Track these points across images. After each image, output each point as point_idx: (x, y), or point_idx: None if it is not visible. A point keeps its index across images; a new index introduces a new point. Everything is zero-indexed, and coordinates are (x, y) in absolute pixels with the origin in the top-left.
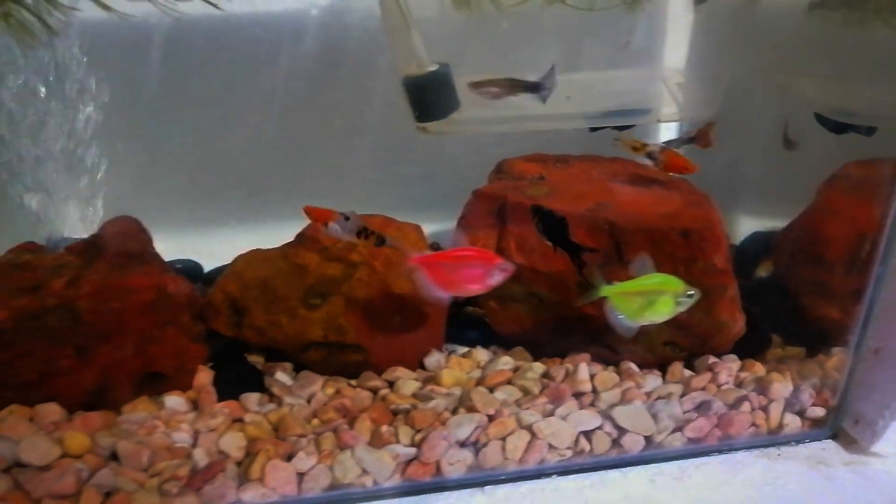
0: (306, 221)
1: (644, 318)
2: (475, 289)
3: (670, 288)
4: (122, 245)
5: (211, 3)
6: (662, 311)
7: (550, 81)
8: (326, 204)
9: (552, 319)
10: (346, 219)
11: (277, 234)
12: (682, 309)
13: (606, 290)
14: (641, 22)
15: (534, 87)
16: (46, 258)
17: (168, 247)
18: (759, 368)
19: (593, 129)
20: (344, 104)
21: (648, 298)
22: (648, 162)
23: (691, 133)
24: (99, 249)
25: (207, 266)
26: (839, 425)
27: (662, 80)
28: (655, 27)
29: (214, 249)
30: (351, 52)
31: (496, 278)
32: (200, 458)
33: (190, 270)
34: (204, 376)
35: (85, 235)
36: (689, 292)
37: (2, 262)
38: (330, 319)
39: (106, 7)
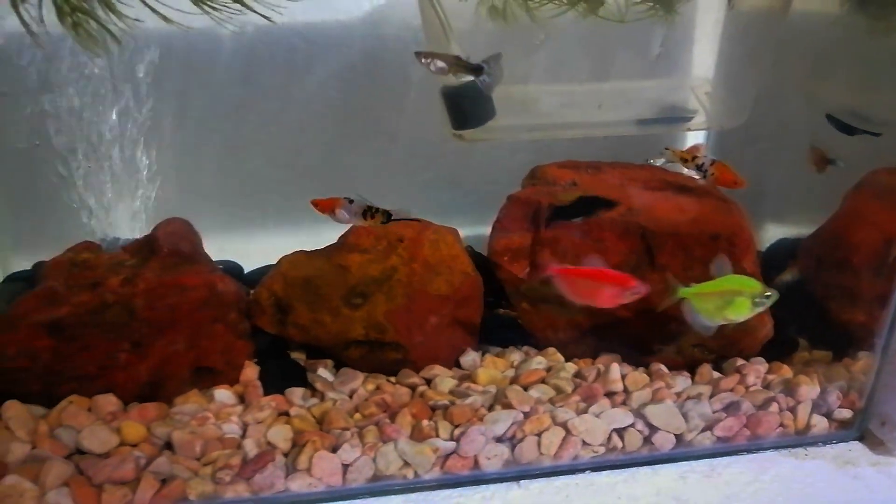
0: (343, 224)
1: (722, 318)
2: (607, 305)
3: (747, 289)
4: (175, 245)
5: (264, 17)
6: (740, 312)
7: (493, 67)
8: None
9: (583, 321)
10: (351, 202)
11: (313, 237)
12: (760, 310)
13: (684, 292)
14: (672, 33)
15: (475, 70)
16: (104, 257)
17: (208, 250)
18: (787, 371)
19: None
20: (379, 111)
21: (725, 299)
22: (696, 174)
23: (706, 169)
24: (152, 249)
25: (247, 267)
26: (866, 427)
27: (691, 89)
28: (684, 37)
29: (252, 251)
30: (387, 61)
31: (628, 300)
32: (250, 448)
33: (231, 271)
34: (250, 372)
35: (133, 236)
36: (766, 293)
37: (62, 260)
38: (371, 318)
39: (167, 19)
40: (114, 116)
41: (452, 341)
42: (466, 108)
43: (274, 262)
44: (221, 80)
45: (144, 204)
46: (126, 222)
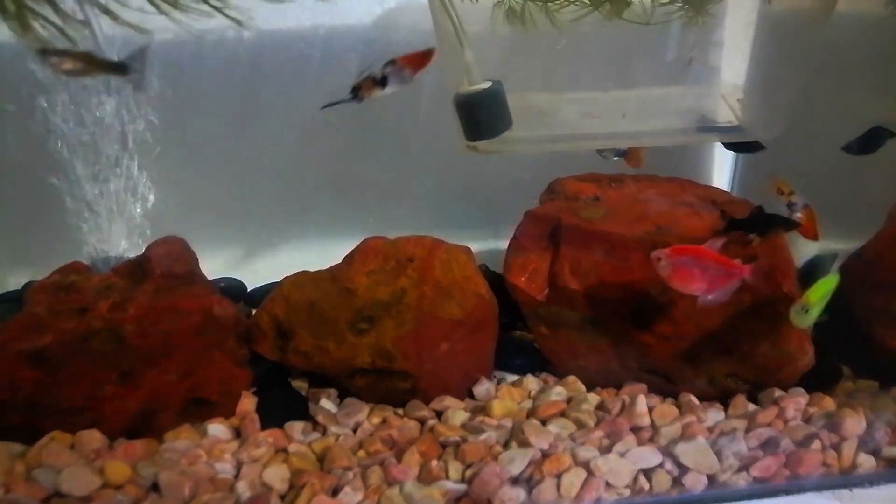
0: (351, 240)
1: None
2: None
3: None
4: (169, 266)
5: (233, 20)
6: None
7: (141, 64)
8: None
9: (606, 347)
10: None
11: (322, 253)
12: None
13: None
14: (702, 37)
15: (117, 69)
16: (93, 279)
17: (212, 265)
18: (829, 403)
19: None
20: (391, 121)
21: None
22: (784, 208)
23: (622, 150)
24: (145, 271)
25: (251, 284)
26: None
27: (722, 97)
28: (713, 40)
29: (259, 268)
30: None
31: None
32: (243, 490)
33: (233, 289)
34: (247, 403)
35: (130, 255)
36: (805, 307)
37: (48, 284)
38: (378, 345)
39: (132, 26)
40: (112, 129)
41: (465, 369)
42: (481, 118)
43: (280, 278)
44: (226, 89)
45: (145, 220)
46: (125, 240)
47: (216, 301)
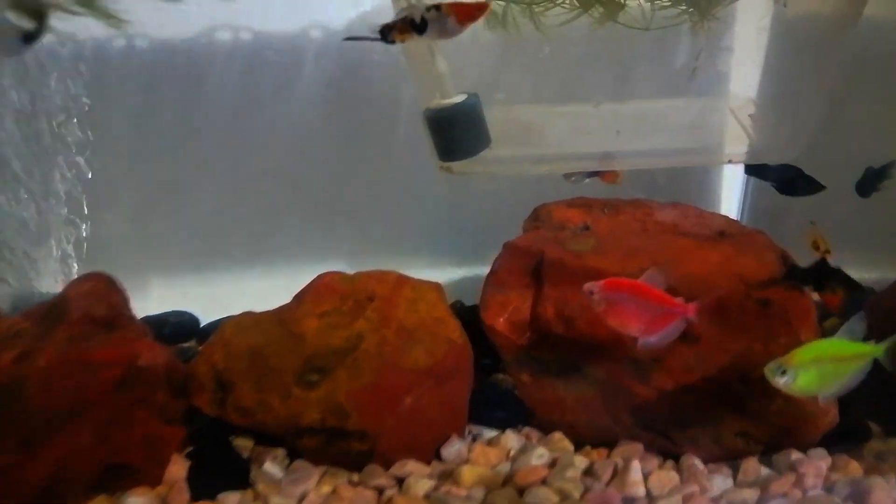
0: (318, 267)
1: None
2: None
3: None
4: (89, 309)
5: (111, 19)
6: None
7: None
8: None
9: (597, 399)
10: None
11: (286, 281)
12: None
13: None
14: (708, 44)
15: None
16: (2, 325)
17: (167, 294)
18: (855, 467)
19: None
20: (365, 135)
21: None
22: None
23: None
24: (60, 315)
25: (212, 315)
26: None
27: (732, 111)
28: (723, 48)
29: (223, 296)
30: (371, 78)
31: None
32: None
33: (183, 324)
34: (178, 468)
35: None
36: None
37: None
38: (329, 400)
39: None
40: (50, 147)
41: (433, 426)
42: (454, 136)
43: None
44: (185, 100)
45: (94, 247)
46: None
47: (145, 348)
